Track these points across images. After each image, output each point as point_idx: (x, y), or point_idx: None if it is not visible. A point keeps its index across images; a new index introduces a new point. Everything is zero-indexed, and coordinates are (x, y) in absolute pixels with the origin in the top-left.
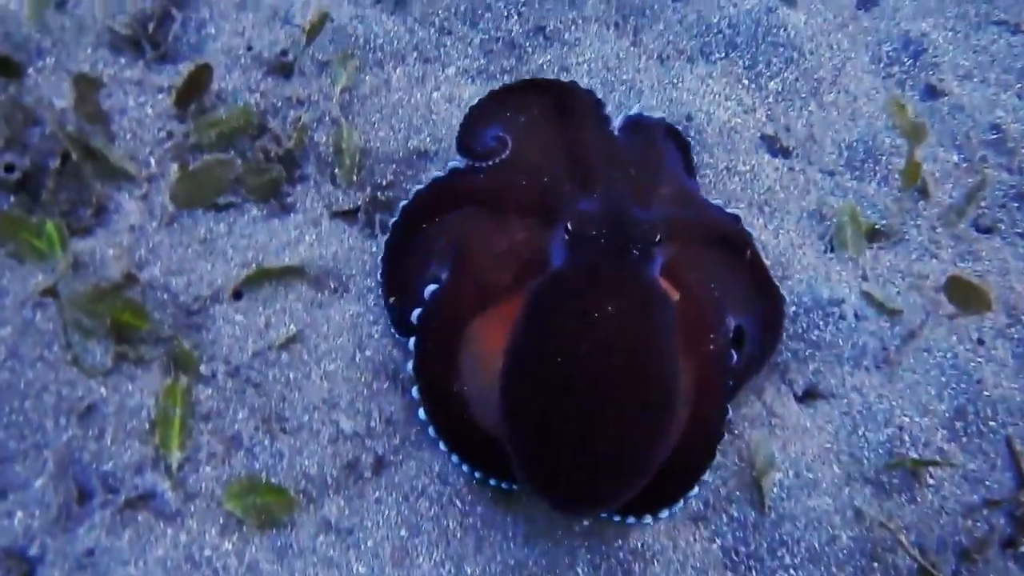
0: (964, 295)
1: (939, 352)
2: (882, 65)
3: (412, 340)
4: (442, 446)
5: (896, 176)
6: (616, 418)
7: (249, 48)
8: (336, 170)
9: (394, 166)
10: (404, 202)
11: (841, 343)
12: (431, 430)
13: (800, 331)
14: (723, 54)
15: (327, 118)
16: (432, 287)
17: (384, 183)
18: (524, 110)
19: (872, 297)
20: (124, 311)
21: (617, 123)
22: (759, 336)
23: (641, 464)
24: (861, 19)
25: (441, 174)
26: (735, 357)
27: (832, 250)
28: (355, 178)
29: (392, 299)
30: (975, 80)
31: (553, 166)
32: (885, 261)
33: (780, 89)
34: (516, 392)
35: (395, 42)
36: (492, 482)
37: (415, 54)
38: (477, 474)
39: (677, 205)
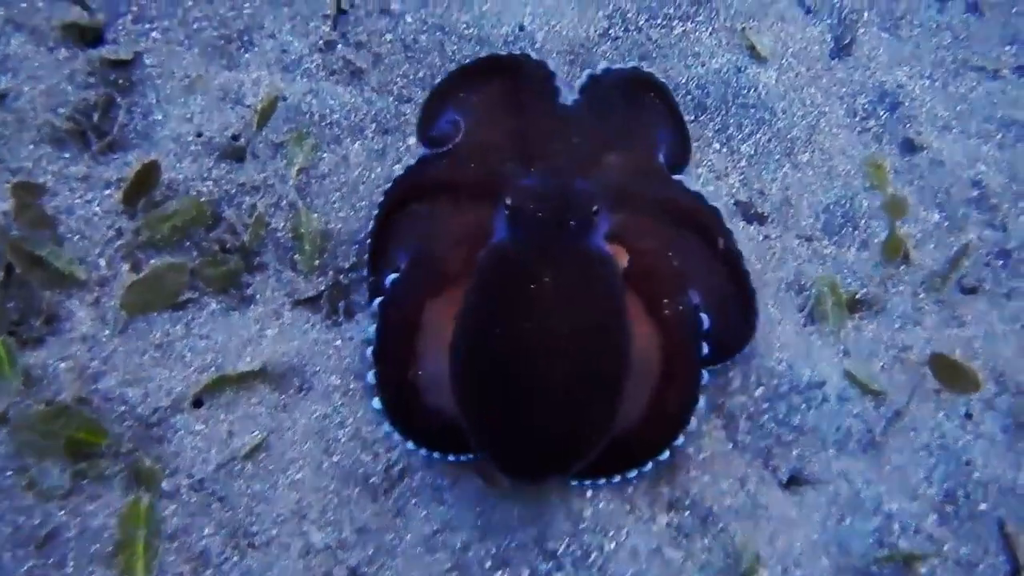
0: (950, 375)
1: (926, 431)
2: (858, 119)
3: (373, 328)
4: (396, 435)
5: (876, 241)
6: (564, 384)
7: (199, 134)
8: (296, 256)
9: (357, 247)
10: (380, 199)
11: (825, 427)
12: (386, 421)
13: (782, 415)
14: (692, 117)
15: (284, 202)
16: (391, 276)
17: (347, 265)
18: (477, 90)
19: (855, 378)
20: (79, 429)
21: (579, 83)
22: (728, 326)
23: (594, 428)
24: (835, 69)
25: (411, 163)
26: (706, 322)
27: (812, 322)
28: (316, 263)
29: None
30: (954, 131)
31: (501, 145)
32: (867, 332)
33: (753, 152)
34: (465, 365)
35: (352, 115)
36: (451, 458)
37: (373, 126)
38: (435, 454)
39: (629, 173)
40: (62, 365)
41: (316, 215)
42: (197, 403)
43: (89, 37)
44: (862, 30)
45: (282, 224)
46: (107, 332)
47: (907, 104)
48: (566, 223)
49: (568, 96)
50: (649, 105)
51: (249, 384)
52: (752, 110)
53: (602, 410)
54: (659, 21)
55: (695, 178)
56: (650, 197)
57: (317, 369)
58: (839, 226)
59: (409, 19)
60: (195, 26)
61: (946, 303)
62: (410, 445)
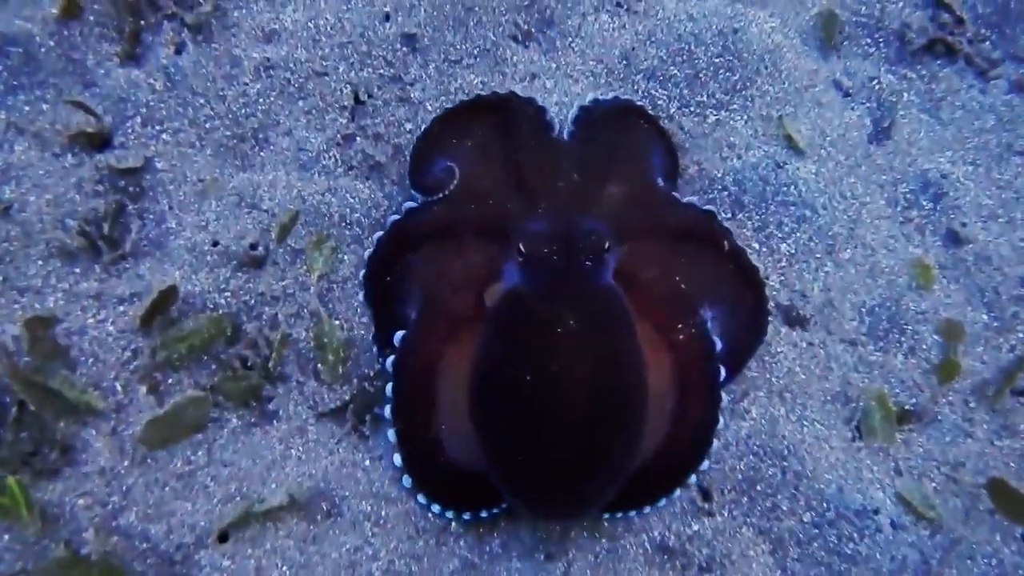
0: (1009, 504)
1: (983, 558)
2: (900, 209)
3: (389, 387)
4: (420, 498)
5: (924, 347)
6: (589, 425)
7: (215, 243)
8: (319, 366)
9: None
10: (369, 251)
11: (879, 556)
12: (405, 479)
13: (833, 544)
14: (730, 215)
15: (305, 311)
16: (400, 333)
17: (372, 373)
18: (468, 133)
19: (909, 503)
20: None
21: (571, 115)
22: (743, 327)
23: (617, 464)
24: (874, 156)
25: (398, 216)
26: (718, 344)
27: (860, 437)
28: (340, 372)
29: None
30: (1000, 221)
31: (500, 186)
32: (918, 447)
33: (793, 251)
34: (489, 414)
35: (372, 212)
36: (467, 516)
37: None
38: (451, 515)
39: (630, 202)
40: (80, 501)
41: (338, 322)
42: (222, 537)
43: (96, 142)
44: (901, 113)
45: (304, 334)
46: (126, 463)
47: (950, 193)
48: (581, 265)
49: (560, 130)
50: (639, 129)
51: (275, 515)
52: (792, 208)
53: (627, 445)
54: (692, 109)
55: None
56: (653, 222)
57: (346, 494)
58: (885, 331)
59: (429, 107)
60: (207, 126)
61: (998, 411)
62: (435, 508)
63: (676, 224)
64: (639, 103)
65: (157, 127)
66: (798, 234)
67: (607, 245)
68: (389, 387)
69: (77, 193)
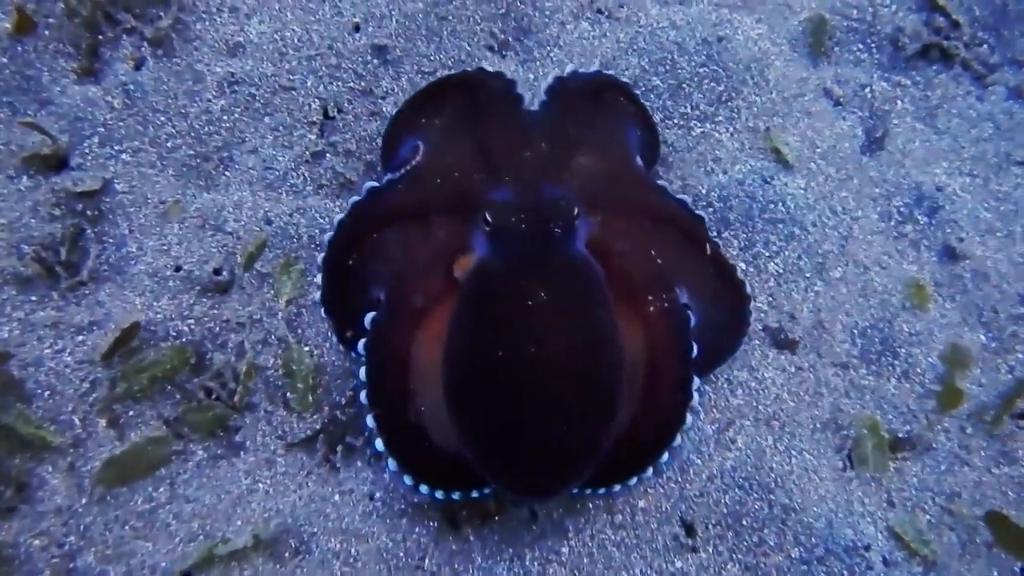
0: (1008, 537)
1: None
2: (893, 223)
3: (362, 371)
4: (406, 479)
5: (919, 370)
6: (566, 398)
7: (177, 268)
8: (288, 394)
9: (354, 380)
10: (329, 234)
11: None
12: (390, 462)
13: None
14: (715, 232)
15: (273, 338)
16: (370, 315)
17: (344, 401)
18: (436, 111)
19: (902, 538)
20: None
21: (544, 85)
22: (723, 326)
23: (594, 440)
24: (866, 167)
25: (358, 198)
26: (692, 320)
27: (851, 466)
28: (310, 400)
29: (349, 334)
30: (999, 235)
31: (466, 160)
32: (912, 477)
33: (781, 270)
34: (464, 390)
35: None
36: (457, 496)
37: None
38: (440, 495)
39: (602, 175)
40: (35, 542)
41: (308, 348)
42: None
43: (52, 163)
44: (895, 122)
45: (272, 361)
46: (84, 501)
47: (946, 207)
48: (550, 233)
49: (533, 102)
50: (618, 106)
51: (240, 555)
52: (780, 225)
53: (604, 419)
54: (675, 121)
55: None
56: (627, 197)
57: (315, 531)
58: (877, 353)
59: None
60: (168, 145)
61: (996, 436)
62: (423, 489)
63: (658, 208)
64: (622, 80)
65: (116, 147)
66: (787, 252)
67: (576, 212)
68: (362, 371)
69: (33, 217)
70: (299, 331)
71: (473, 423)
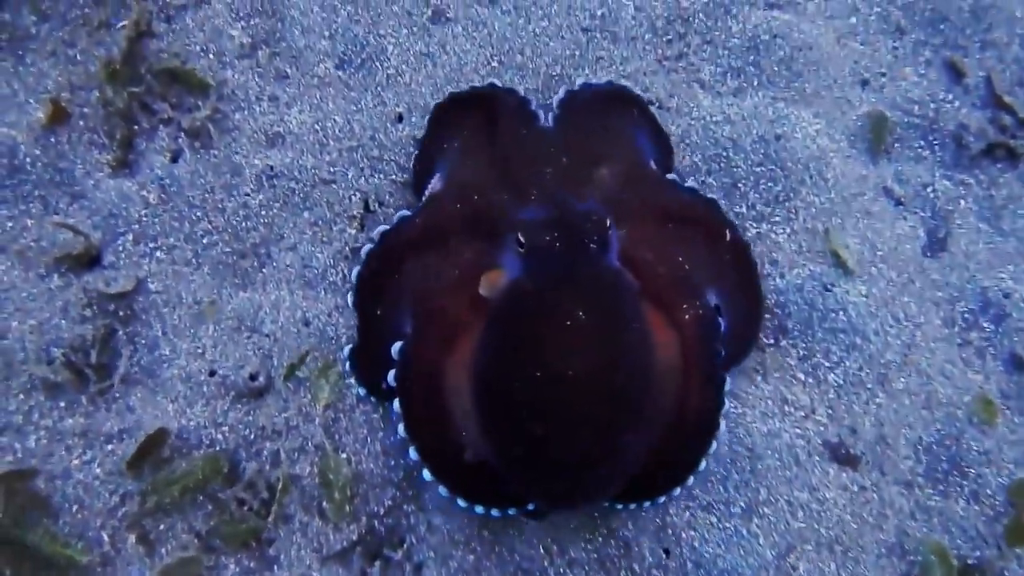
0: None
1: None
2: (957, 330)
3: (397, 403)
4: (460, 502)
5: (988, 492)
6: (605, 417)
7: (212, 372)
8: (325, 504)
9: (393, 490)
10: (357, 268)
11: None
12: (441, 489)
13: None
14: (772, 340)
15: (310, 445)
16: (398, 344)
17: (382, 510)
18: (455, 134)
19: None
20: None
21: (556, 99)
22: (740, 317)
23: (635, 451)
24: (928, 271)
25: (387, 227)
26: (723, 325)
27: None
28: (347, 510)
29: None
30: None
31: (485, 180)
32: None
33: (842, 382)
34: (497, 412)
35: None
36: (512, 512)
37: None
38: (498, 512)
39: (623, 184)
40: None
41: (345, 456)
42: None
43: (84, 261)
44: (958, 222)
45: (308, 469)
46: None
47: (1013, 314)
48: (586, 249)
49: (546, 118)
50: (628, 115)
51: None
52: (841, 335)
53: (643, 431)
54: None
55: (778, 414)
56: (649, 204)
57: None
58: (944, 472)
59: None
60: (204, 241)
61: None
62: (479, 510)
63: (674, 207)
64: (632, 89)
65: (150, 244)
66: (847, 363)
67: (609, 224)
68: (396, 404)
69: (63, 318)
70: (336, 437)
71: (513, 440)
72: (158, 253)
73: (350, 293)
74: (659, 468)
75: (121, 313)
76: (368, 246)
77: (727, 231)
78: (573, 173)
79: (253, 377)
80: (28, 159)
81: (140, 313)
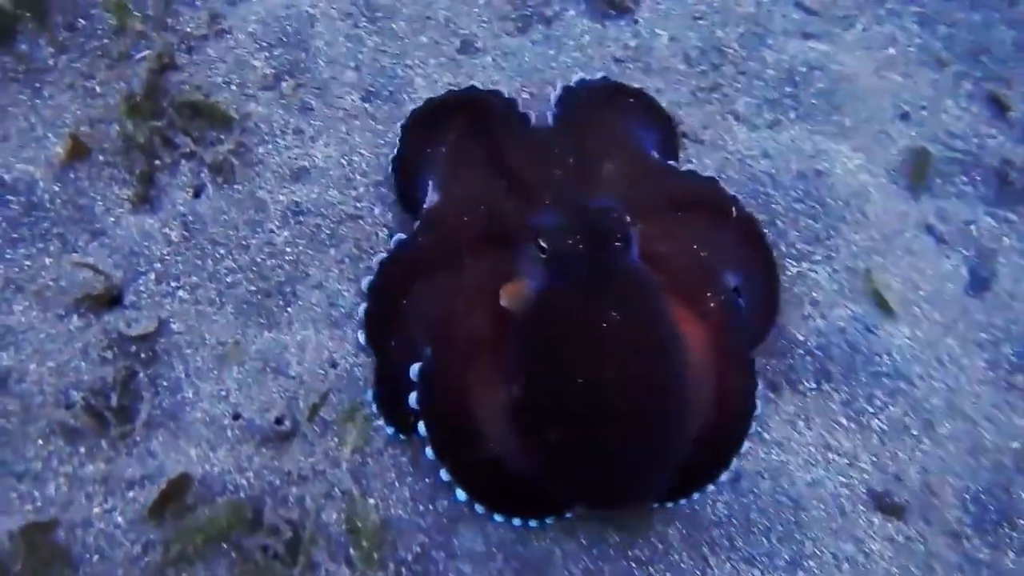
0: None
1: None
2: (1003, 372)
3: (422, 425)
4: (497, 517)
5: None
6: (647, 417)
7: (236, 416)
8: (352, 551)
9: (422, 536)
10: (363, 305)
11: None
12: (477, 506)
13: None
14: (814, 384)
15: (336, 491)
16: (416, 366)
17: (411, 557)
18: (441, 141)
19: None
20: None
21: (554, 97)
22: (759, 293)
23: (680, 448)
24: (971, 310)
25: (385, 256)
26: (742, 303)
27: None
28: (375, 557)
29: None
30: None
31: (489, 190)
32: None
33: (886, 428)
34: (537, 422)
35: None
36: (550, 520)
37: None
38: (535, 524)
39: (629, 179)
40: None
41: (373, 501)
42: None
43: (105, 301)
44: (1002, 260)
45: (334, 516)
46: None
47: None
48: (611, 249)
49: (537, 118)
50: (628, 107)
51: None
52: (885, 380)
53: (686, 427)
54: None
55: (821, 462)
56: (656, 195)
57: None
58: (993, 523)
59: None
60: (228, 280)
61: None
62: (516, 523)
63: (679, 193)
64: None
65: (173, 283)
66: (892, 408)
67: (629, 221)
68: (422, 426)
69: (83, 360)
70: (364, 482)
71: (556, 450)
72: (181, 292)
73: (359, 331)
74: (703, 457)
75: (143, 355)
76: (369, 279)
77: (732, 208)
78: (582, 172)
79: (279, 421)
80: (46, 196)
81: (162, 354)
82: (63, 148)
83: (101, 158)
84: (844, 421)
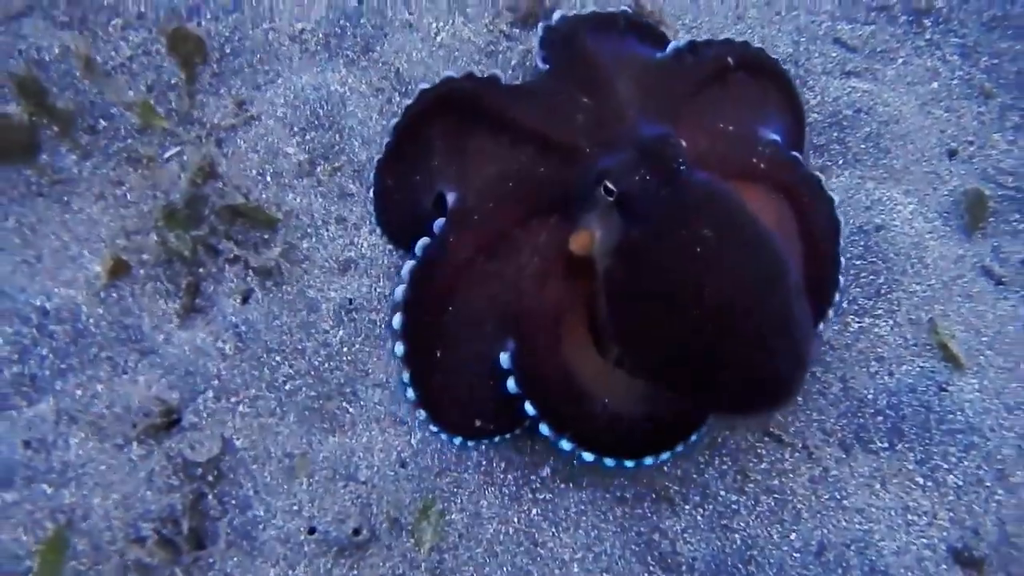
0: None
1: None
2: None
3: (528, 406)
4: (628, 463)
5: None
6: (777, 312)
7: (312, 530)
8: None
9: None
10: (400, 316)
11: None
12: (607, 460)
13: None
14: (887, 444)
15: None
16: (505, 355)
17: None
18: (433, 145)
19: None
20: None
21: (537, 40)
22: (794, 131)
23: (811, 331)
24: None
25: (415, 263)
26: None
27: None
28: None
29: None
30: None
31: (509, 165)
32: None
33: (961, 483)
34: (672, 357)
35: (482, 462)
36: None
37: (504, 464)
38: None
39: (645, 88)
40: None
41: None
42: None
43: (163, 424)
44: None
45: None
46: None
47: None
48: (677, 171)
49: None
50: (610, 23)
51: None
52: (959, 435)
53: (805, 303)
54: (832, 319)
55: (903, 526)
56: (676, 87)
57: None
58: None
59: None
60: (287, 388)
61: None
62: (609, 462)
63: (694, 73)
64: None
65: (232, 399)
66: (966, 463)
67: (675, 138)
68: (528, 407)
69: (148, 489)
70: None
71: (695, 376)
72: (241, 407)
73: (397, 343)
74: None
75: (209, 476)
76: (401, 288)
77: (728, 57)
78: (603, 105)
79: (356, 532)
80: (91, 320)
81: (228, 473)
82: (103, 268)
83: (142, 272)
84: (920, 480)
